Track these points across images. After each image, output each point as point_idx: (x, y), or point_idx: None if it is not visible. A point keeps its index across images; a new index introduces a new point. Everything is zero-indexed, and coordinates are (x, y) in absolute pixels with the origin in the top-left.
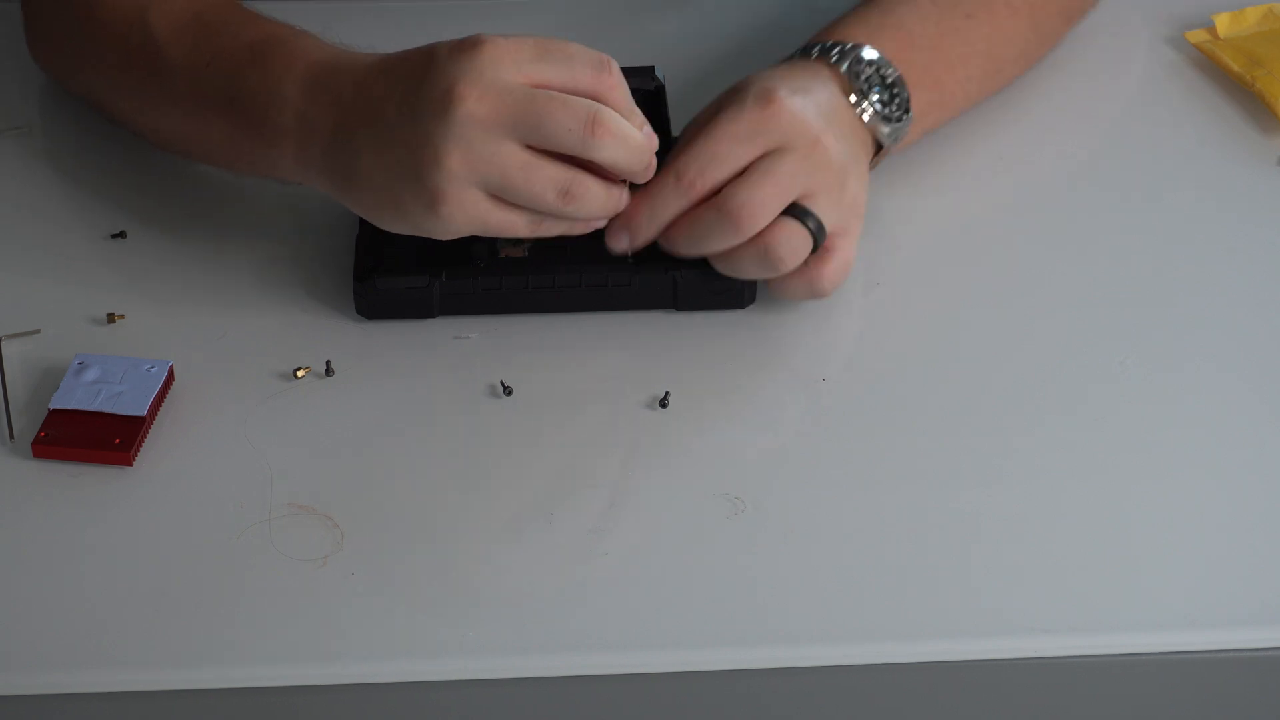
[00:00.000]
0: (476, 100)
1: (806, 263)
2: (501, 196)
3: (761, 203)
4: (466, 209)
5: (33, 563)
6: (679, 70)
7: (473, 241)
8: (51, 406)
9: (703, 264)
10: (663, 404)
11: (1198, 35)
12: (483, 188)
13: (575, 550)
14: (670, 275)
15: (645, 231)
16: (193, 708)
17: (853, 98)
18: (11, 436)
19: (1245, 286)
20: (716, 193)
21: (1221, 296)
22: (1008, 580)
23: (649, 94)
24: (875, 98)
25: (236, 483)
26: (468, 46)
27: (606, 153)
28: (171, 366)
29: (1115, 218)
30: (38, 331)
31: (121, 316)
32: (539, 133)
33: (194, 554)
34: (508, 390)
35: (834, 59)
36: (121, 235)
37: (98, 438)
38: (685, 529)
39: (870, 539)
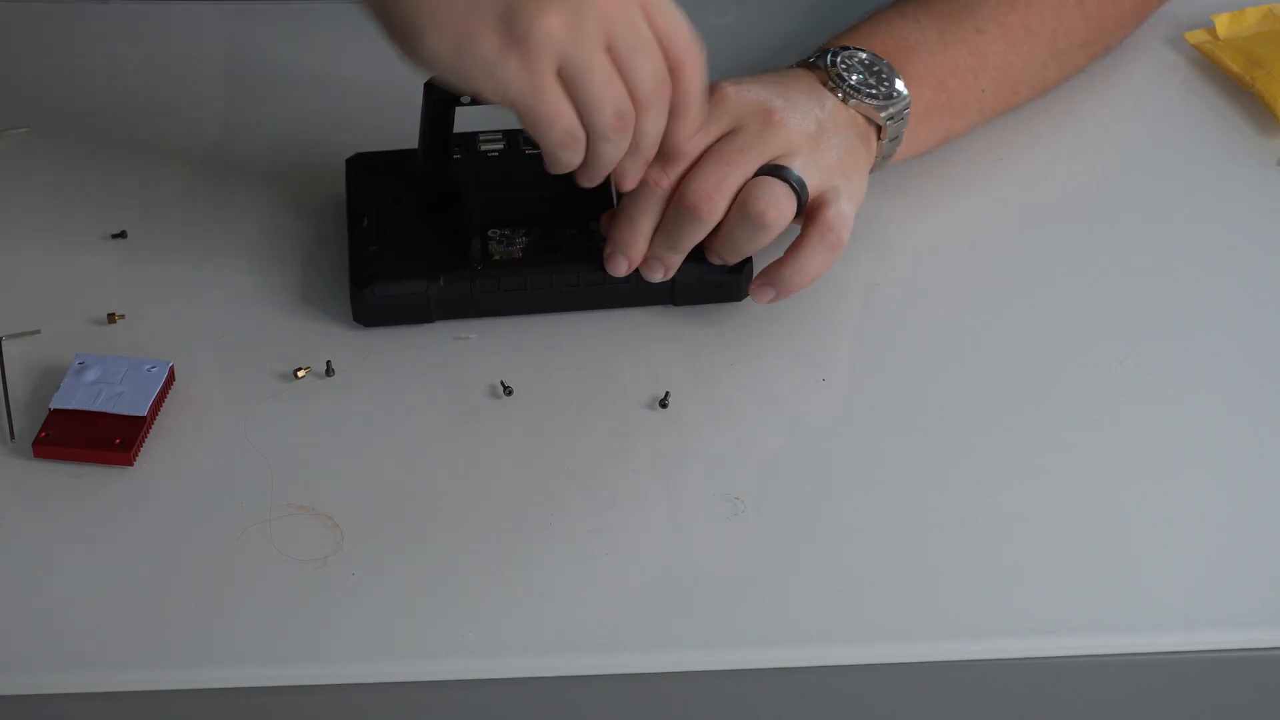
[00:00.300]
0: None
1: (804, 224)
2: (568, 83)
3: (716, 184)
4: (536, 67)
5: (33, 563)
6: None
7: (468, 244)
8: (52, 406)
9: (698, 258)
10: (663, 404)
11: (1197, 36)
12: (559, 61)
13: (575, 550)
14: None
15: (634, 244)
16: (193, 708)
17: (830, 85)
18: (12, 436)
19: (1245, 286)
20: None
21: (1221, 296)
22: (1008, 580)
23: None
24: (854, 78)
25: (236, 483)
26: None
27: (655, 111)
28: (172, 366)
29: (1115, 218)
30: (38, 331)
31: (122, 316)
32: (633, 60)
33: (194, 554)
34: (508, 390)
35: (812, 59)
36: (122, 235)
37: (98, 438)
38: (685, 529)
39: (870, 539)
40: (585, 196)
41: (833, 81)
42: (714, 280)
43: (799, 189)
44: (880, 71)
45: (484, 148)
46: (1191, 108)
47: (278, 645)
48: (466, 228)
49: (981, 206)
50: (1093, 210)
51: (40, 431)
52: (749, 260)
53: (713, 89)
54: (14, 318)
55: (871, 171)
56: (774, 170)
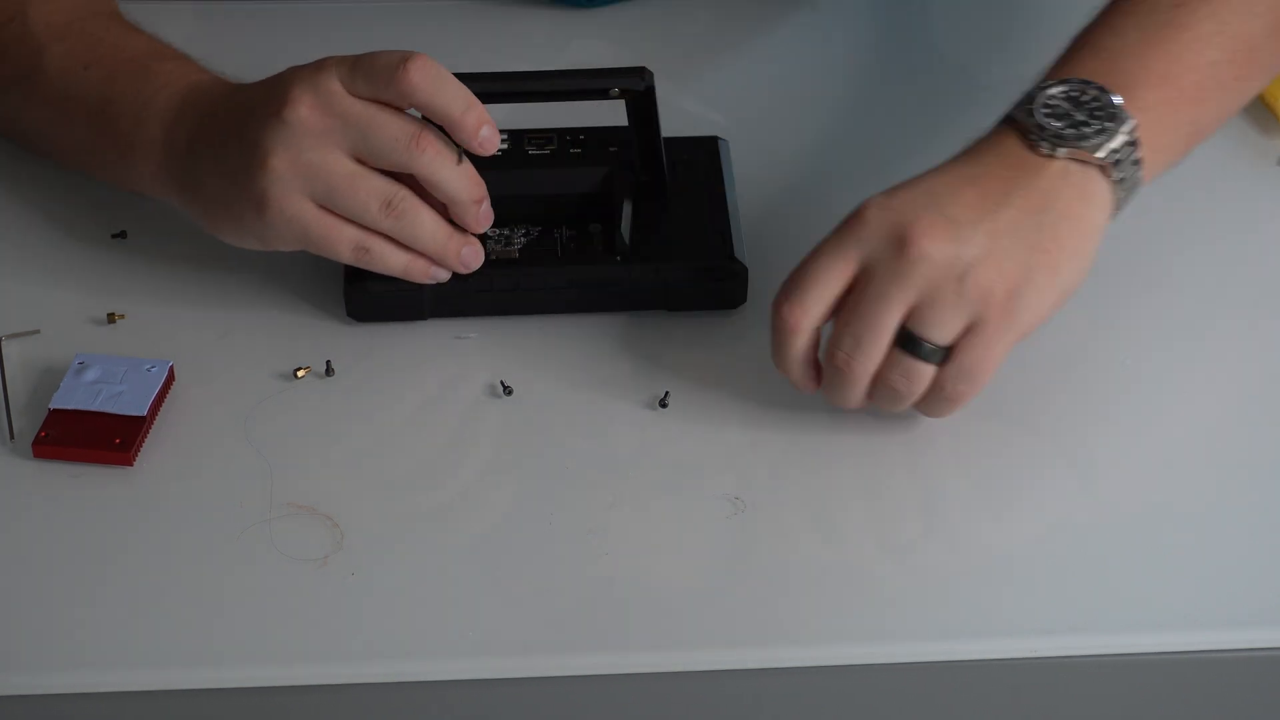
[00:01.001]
0: (308, 108)
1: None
2: (328, 207)
3: (855, 343)
4: (291, 213)
5: (33, 563)
6: (671, 68)
7: None
8: (52, 406)
9: (692, 263)
10: (663, 404)
11: None
12: (309, 195)
13: (575, 550)
14: (662, 274)
15: (795, 373)
16: (192, 708)
17: (1032, 139)
18: (12, 436)
19: (1245, 286)
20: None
21: (1222, 296)
22: (1008, 580)
23: (639, 95)
24: (1056, 124)
25: (236, 483)
26: (309, 65)
27: (431, 166)
28: (171, 366)
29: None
30: (38, 331)
31: (122, 316)
32: (365, 143)
33: (194, 554)
34: (508, 390)
35: (1013, 109)
36: (122, 235)
37: (98, 438)
38: (685, 529)
39: (870, 539)
40: (587, 199)
41: (1035, 134)
42: (708, 287)
43: (931, 357)
44: (1091, 101)
45: None
46: None
47: (278, 645)
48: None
49: None
50: None
51: (40, 431)
52: (744, 269)
53: (859, 208)
54: (14, 318)
55: (1115, 215)
56: (905, 339)
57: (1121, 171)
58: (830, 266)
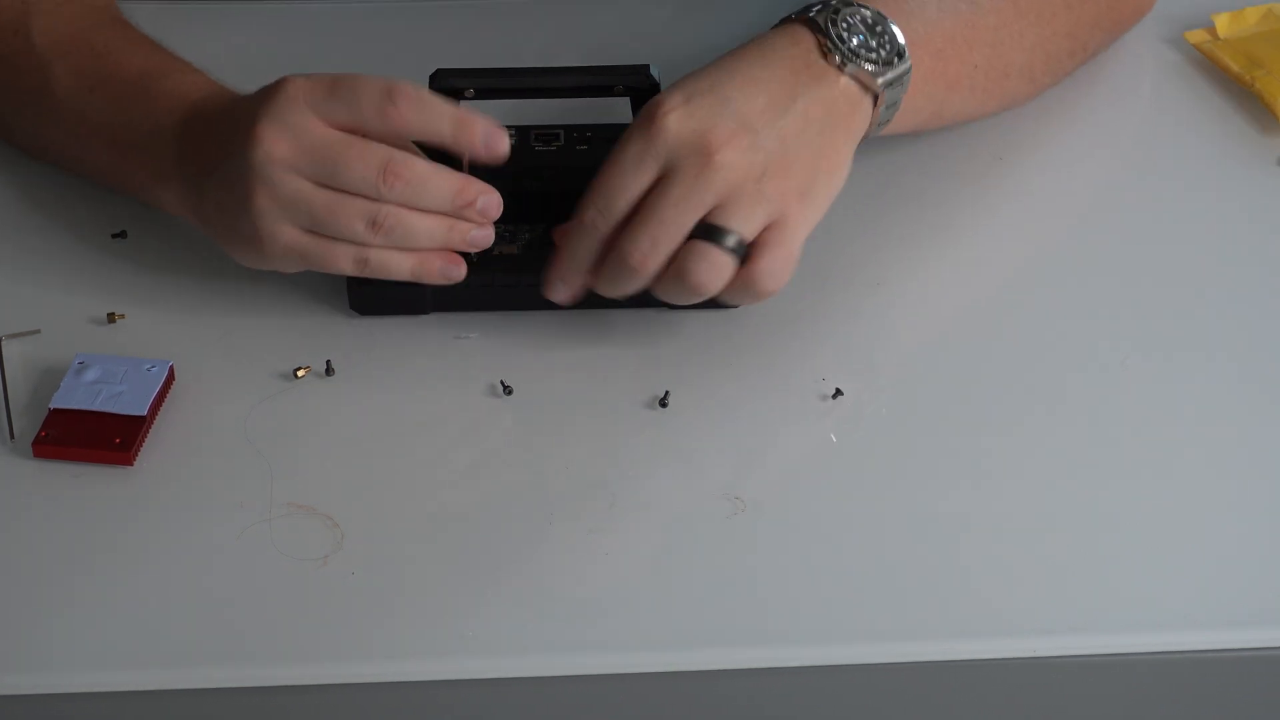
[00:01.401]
0: (273, 141)
1: (740, 270)
2: (317, 231)
3: (650, 245)
4: (283, 243)
5: (33, 563)
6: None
7: None
8: (52, 406)
9: None
10: (663, 404)
11: (1197, 35)
12: (294, 223)
13: (575, 550)
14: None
15: (572, 278)
16: (193, 708)
17: (826, 48)
18: (12, 436)
19: (1245, 286)
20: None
21: (1222, 296)
22: (1007, 580)
23: (643, 93)
24: (854, 41)
25: (236, 483)
26: (271, 89)
27: (404, 196)
28: (172, 366)
29: (1115, 218)
30: (38, 331)
31: (122, 316)
32: (335, 178)
33: (194, 554)
34: (508, 390)
35: (813, 12)
36: (122, 235)
37: (98, 437)
38: (685, 529)
39: (870, 539)
40: None
41: (830, 44)
42: None
43: (737, 250)
44: (884, 34)
45: None
46: (1191, 108)
47: (278, 645)
48: None
49: (981, 207)
50: (1092, 209)
51: (40, 431)
52: None
53: (649, 113)
54: (14, 318)
55: (861, 141)
56: (710, 232)
57: (888, 101)
58: (634, 172)
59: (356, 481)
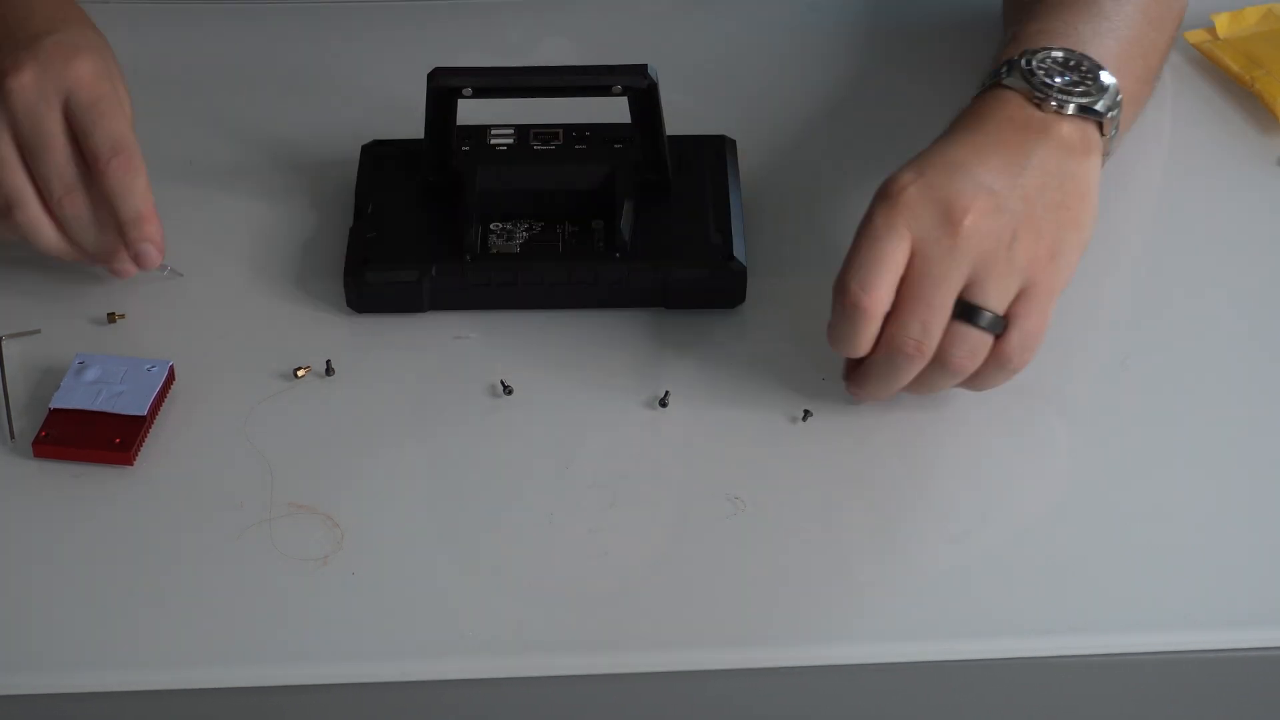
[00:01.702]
0: (23, 86)
1: (994, 346)
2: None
3: (923, 328)
4: None
5: (33, 563)
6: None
7: (464, 234)
8: (52, 406)
9: (691, 262)
10: (663, 404)
11: (1197, 35)
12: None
13: (575, 550)
14: (660, 273)
15: (858, 355)
16: (193, 708)
17: (1037, 98)
18: (12, 436)
19: (1245, 286)
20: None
21: (1221, 296)
22: (1008, 580)
23: (641, 92)
24: (1059, 80)
25: (236, 483)
26: (51, 46)
27: (67, 216)
28: (172, 366)
29: (1115, 217)
30: (38, 331)
31: (122, 316)
32: (31, 156)
33: (194, 554)
34: (508, 390)
35: (1002, 75)
36: None
37: (98, 437)
38: (685, 529)
39: (870, 539)
40: (591, 195)
41: (1039, 93)
42: (707, 286)
43: (993, 327)
44: (1080, 65)
45: (493, 141)
46: (1191, 108)
47: (278, 645)
48: (467, 219)
49: None
50: None
51: (40, 431)
52: (743, 269)
53: (888, 188)
54: (14, 318)
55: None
56: (966, 312)
57: (1113, 128)
58: (891, 248)
59: (356, 481)
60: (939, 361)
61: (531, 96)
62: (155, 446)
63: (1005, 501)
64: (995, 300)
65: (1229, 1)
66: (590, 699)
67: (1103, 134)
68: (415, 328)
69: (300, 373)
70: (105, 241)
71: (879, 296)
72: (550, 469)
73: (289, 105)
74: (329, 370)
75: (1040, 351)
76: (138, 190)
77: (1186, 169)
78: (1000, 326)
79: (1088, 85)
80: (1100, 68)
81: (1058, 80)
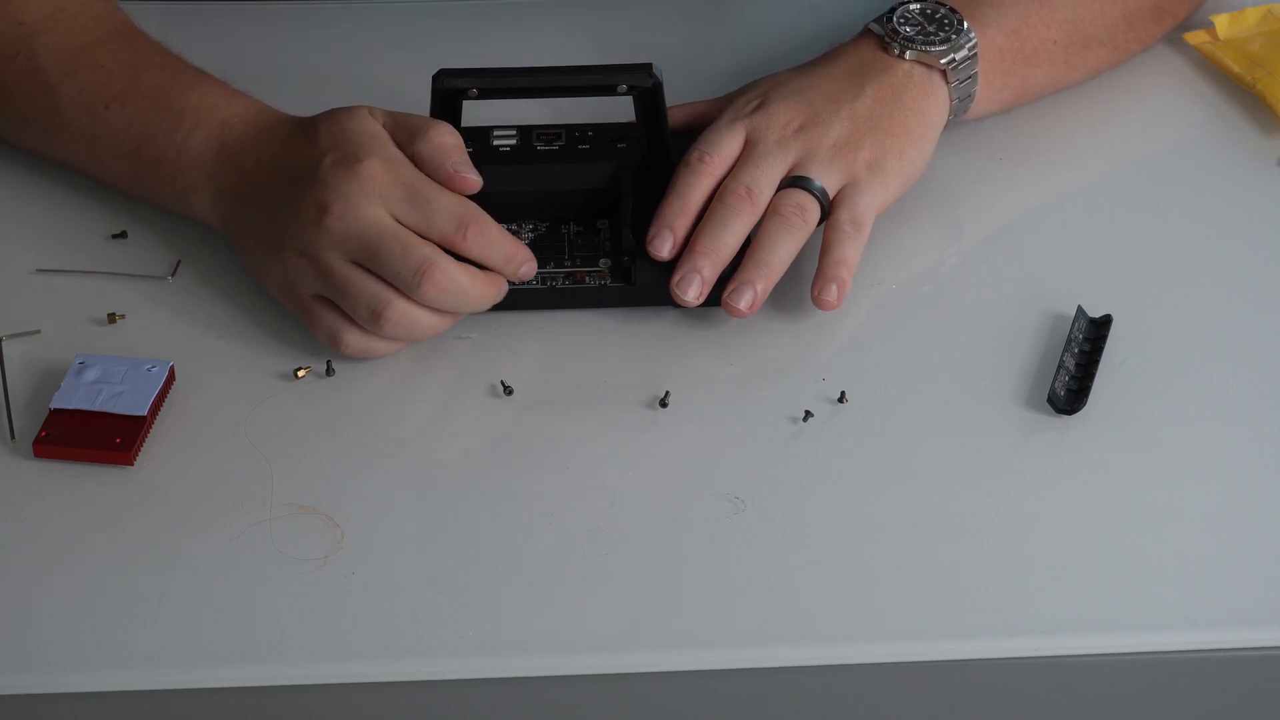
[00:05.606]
0: (333, 221)
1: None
2: (366, 265)
3: (751, 182)
4: (296, 301)
5: (33, 563)
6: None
7: None
8: (52, 406)
9: None
10: (663, 404)
11: (1197, 37)
12: (313, 290)
13: (575, 550)
14: (661, 273)
15: (679, 221)
16: (193, 708)
17: (887, 43)
18: (12, 436)
19: (1245, 286)
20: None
21: (1221, 296)
22: (1008, 580)
23: (645, 91)
24: (908, 30)
25: (236, 483)
26: (348, 164)
27: (431, 299)
28: (172, 366)
29: (1116, 217)
30: (38, 331)
31: (122, 316)
32: (374, 264)
33: (194, 554)
34: (508, 390)
35: (874, 22)
36: (122, 235)
37: (98, 437)
38: (685, 529)
39: (870, 539)
40: (595, 196)
41: (888, 38)
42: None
43: (820, 197)
44: (943, 18)
45: (496, 142)
46: (1191, 108)
47: (278, 645)
48: None
49: (981, 207)
50: (1093, 210)
51: (40, 431)
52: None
53: (734, 98)
54: (14, 318)
55: (948, 125)
56: (795, 180)
57: (959, 77)
58: (730, 135)
59: (356, 481)
60: (773, 212)
61: (537, 97)
62: (155, 446)
63: (1005, 501)
64: (818, 175)
65: (1229, 2)
66: (590, 699)
67: (948, 81)
68: None
69: (300, 373)
70: (486, 293)
71: (717, 159)
72: (550, 469)
73: (294, 106)
74: (329, 370)
75: (1041, 351)
76: (495, 241)
77: (1187, 169)
78: (826, 198)
79: (944, 34)
80: (962, 21)
81: (908, 30)
